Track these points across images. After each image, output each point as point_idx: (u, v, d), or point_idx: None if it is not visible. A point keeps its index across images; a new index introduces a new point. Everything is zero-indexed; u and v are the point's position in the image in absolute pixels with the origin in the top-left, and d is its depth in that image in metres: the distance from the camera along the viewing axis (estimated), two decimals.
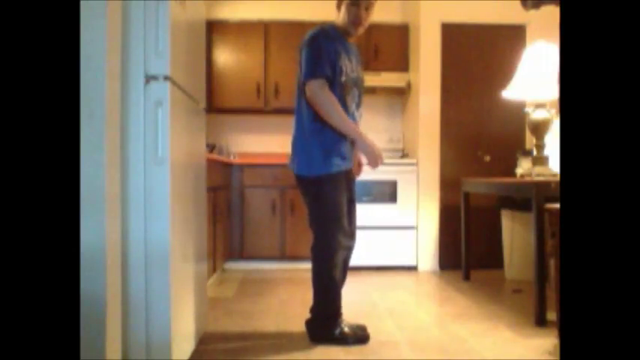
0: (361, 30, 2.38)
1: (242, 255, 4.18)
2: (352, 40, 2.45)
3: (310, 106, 2.30)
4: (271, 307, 3.02)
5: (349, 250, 2.47)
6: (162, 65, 1.70)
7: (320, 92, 2.24)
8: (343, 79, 2.31)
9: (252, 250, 4.17)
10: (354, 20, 2.32)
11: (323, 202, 2.33)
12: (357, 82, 2.43)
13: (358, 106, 2.45)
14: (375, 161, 2.33)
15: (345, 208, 2.37)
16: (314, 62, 2.25)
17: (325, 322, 2.37)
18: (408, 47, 4.56)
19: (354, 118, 2.40)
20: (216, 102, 4.46)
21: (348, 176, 2.45)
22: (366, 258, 4.13)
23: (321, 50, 2.26)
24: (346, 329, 2.37)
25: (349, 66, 2.36)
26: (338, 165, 2.32)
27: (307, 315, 2.45)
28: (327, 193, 2.32)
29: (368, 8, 2.34)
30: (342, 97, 2.32)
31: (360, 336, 2.38)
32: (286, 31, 4.46)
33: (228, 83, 4.48)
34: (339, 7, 2.38)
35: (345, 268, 2.49)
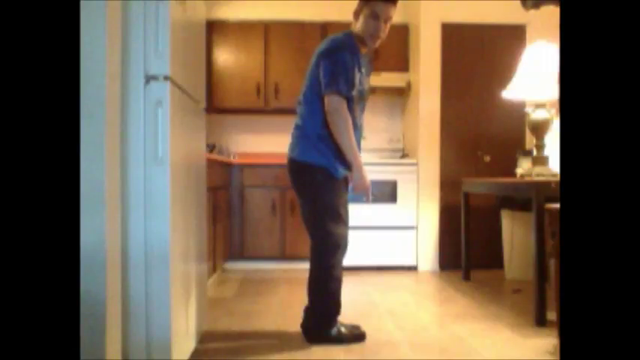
0: (379, 43, 2.37)
1: (242, 255, 4.18)
2: (365, 51, 2.41)
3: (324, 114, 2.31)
4: (271, 307, 3.03)
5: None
6: (162, 65, 1.70)
7: (339, 109, 2.24)
8: (354, 92, 2.31)
9: (252, 250, 4.18)
10: (374, 34, 2.30)
11: (321, 196, 2.34)
12: (365, 94, 2.45)
13: (362, 116, 2.49)
14: (360, 190, 2.33)
15: (346, 213, 2.39)
16: (336, 75, 2.24)
17: (321, 322, 2.37)
18: (408, 47, 4.56)
19: (360, 130, 2.45)
20: (216, 102, 4.46)
21: (346, 179, 2.44)
22: (366, 258, 4.13)
23: (345, 65, 2.25)
24: (343, 329, 2.38)
25: (360, 78, 2.35)
26: (338, 170, 2.34)
27: None
28: (322, 187, 2.33)
29: (387, 21, 2.30)
30: (352, 110, 2.32)
31: (357, 334, 2.39)
32: (286, 31, 4.47)
33: (228, 83, 4.48)
34: (357, 16, 2.33)
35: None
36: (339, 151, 2.33)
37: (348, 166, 2.40)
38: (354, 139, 2.29)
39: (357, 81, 2.31)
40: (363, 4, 2.30)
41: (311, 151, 2.33)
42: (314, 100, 2.33)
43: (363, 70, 2.39)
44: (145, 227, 1.69)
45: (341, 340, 2.34)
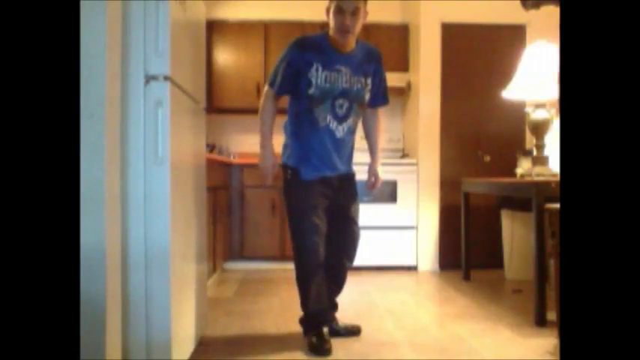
0: (351, 37, 2.28)
1: (242, 255, 4.18)
2: (347, 46, 2.31)
3: (291, 109, 2.40)
4: (271, 307, 3.02)
5: (339, 266, 2.44)
6: (162, 65, 1.70)
7: (264, 98, 2.38)
8: (311, 91, 2.26)
9: (252, 250, 4.17)
10: (341, 28, 2.24)
11: (287, 197, 2.40)
12: (348, 93, 2.31)
13: (345, 117, 2.33)
14: (261, 174, 2.42)
15: (313, 216, 2.29)
16: (274, 70, 2.36)
17: (304, 321, 2.40)
18: (408, 47, 4.56)
19: (328, 130, 2.31)
20: (216, 102, 4.45)
21: (327, 183, 2.36)
22: (366, 258, 4.12)
23: (283, 60, 2.31)
24: (314, 339, 2.27)
25: (325, 77, 2.26)
26: (301, 170, 2.33)
27: None
28: (290, 189, 2.37)
29: (355, 13, 2.23)
30: (310, 110, 2.29)
31: (324, 348, 2.23)
32: (286, 31, 4.45)
33: (228, 83, 4.48)
34: (327, 14, 2.30)
35: (338, 281, 2.48)
36: (312, 151, 2.32)
37: (329, 167, 2.35)
38: (268, 126, 2.36)
39: (314, 79, 2.25)
40: (330, 1, 2.29)
41: (284, 150, 2.44)
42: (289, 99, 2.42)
43: (342, 67, 2.28)
44: (145, 227, 1.69)
45: (309, 347, 2.27)
